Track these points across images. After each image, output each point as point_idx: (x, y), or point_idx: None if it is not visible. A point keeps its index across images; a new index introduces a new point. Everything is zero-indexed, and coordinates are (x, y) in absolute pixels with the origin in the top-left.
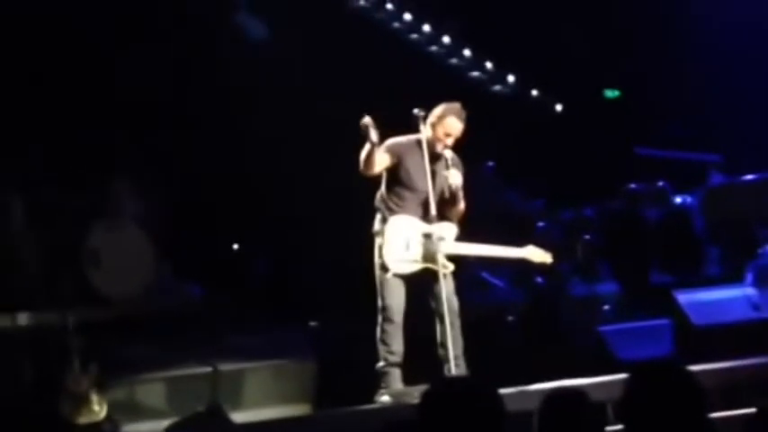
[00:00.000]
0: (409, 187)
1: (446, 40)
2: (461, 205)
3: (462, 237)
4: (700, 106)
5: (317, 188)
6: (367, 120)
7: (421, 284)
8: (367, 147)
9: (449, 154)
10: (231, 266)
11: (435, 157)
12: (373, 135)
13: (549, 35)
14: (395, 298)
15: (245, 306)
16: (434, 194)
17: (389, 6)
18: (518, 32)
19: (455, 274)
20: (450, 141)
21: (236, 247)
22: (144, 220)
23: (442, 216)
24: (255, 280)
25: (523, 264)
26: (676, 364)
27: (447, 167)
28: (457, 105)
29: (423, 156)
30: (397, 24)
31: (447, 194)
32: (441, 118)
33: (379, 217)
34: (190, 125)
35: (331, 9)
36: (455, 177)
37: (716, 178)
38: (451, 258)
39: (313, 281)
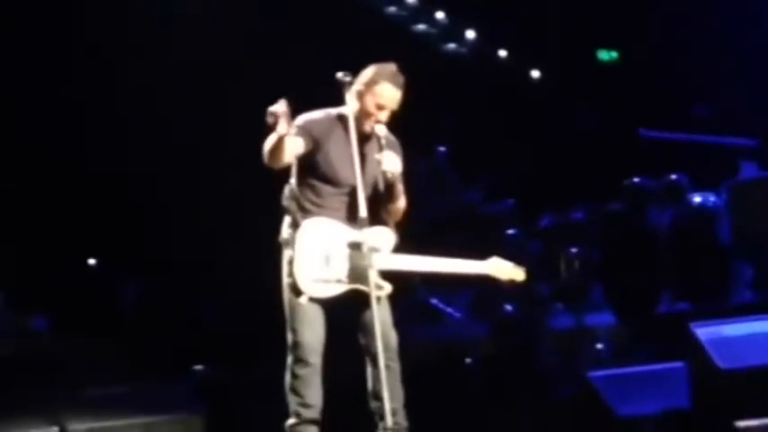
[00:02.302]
0: (329, 179)
1: None
2: (401, 202)
3: (403, 247)
4: (728, 72)
5: (201, 183)
6: (280, 107)
7: (346, 313)
8: (273, 137)
9: (382, 131)
10: (88, 292)
11: (364, 138)
12: (283, 126)
13: None
14: (311, 331)
15: (108, 345)
16: (364, 188)
17: None
18: None
19: (393, 298)
20: (383, 116)
21: (92, 263)
22: None
23: (376, 218)
24: (122, 310)
25: (487, 284)
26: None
27: (380, 150)
28: (392, 67)
29: (347, 136)
30: None
31: (381, 187)
32: (370, 85)
33: (287, 221)
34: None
35: None
36: (392, 162)
37: (748, 170)
38: (388, 277)
39: (199, 309)
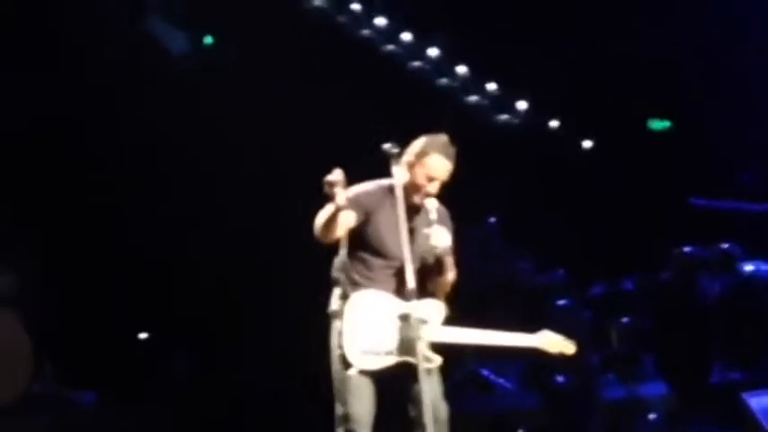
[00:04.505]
0: (379, 252)
1: (433, 52)
2: (451, 275)
3: (453, 319)
4: None
5: (256, 259)
6: (336, 176)
7: (396, 385)
8: (329, 209)
9: (432, 205)
10: (138, 366)
11: (414, 210)
12: (341, 197)
13: (572, 47)
14: (360, 404)
15: (157, 420)
16: (413, 260)
17: (355, 6)
18: (531, 43)
19: (444, 370)
20: (433, 188)
21: (143, 336)
22: (16, 301)
23: (425, 291)
24: (172, 384)
25: (537, 356)
26: None
27: (429, 224)
28: (443, 138)
29: (396, 209)
30: (367, 32)
31: (430, 261)
32: (421, 156)
33: (337, 293)
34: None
35: (279, 12)
36: (441, 237)
37: None
38: (438, 349)
39: (252, 383)
